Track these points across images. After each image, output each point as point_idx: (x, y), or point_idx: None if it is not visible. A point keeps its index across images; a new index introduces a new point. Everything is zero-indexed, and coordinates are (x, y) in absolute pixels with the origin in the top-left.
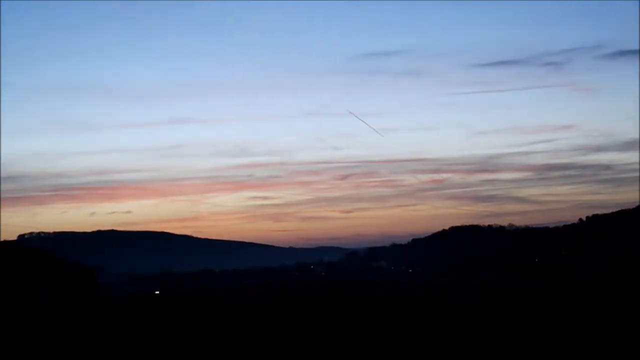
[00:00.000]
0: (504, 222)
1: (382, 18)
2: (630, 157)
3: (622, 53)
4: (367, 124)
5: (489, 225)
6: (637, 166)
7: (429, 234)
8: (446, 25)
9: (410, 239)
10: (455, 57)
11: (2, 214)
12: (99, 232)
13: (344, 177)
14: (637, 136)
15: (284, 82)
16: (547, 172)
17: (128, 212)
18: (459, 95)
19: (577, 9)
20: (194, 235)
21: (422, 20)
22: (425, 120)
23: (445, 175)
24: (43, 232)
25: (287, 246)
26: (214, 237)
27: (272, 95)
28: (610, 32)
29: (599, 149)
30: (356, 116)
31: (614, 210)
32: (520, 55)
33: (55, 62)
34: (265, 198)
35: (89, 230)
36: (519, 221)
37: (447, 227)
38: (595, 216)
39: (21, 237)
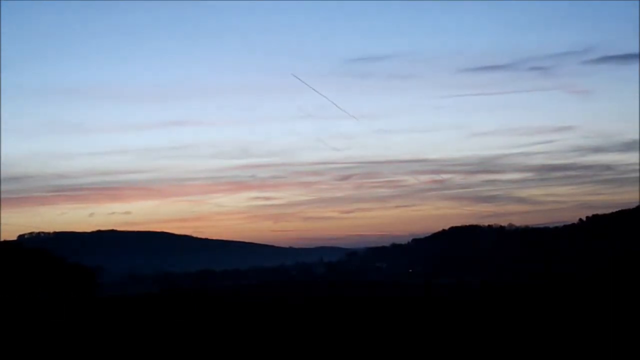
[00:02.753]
0: (504, 222)
1: (375, 24)
2: (630, 157)
3: (609, 58)
4: (316, 91)
5: (489, 225)
6: (637, 167)
7: (429, 234)
8: (434, 32)
9: (410, 239)
10: (445, 61)
11: (4, 215)
12: (99, 232)
13: (346, 178)
14: (636, 137)
15: (283, 84)
16: (547, 172)
17: (130, 212)
18: (453, 97)
19: (566, 14)
20: (194, 235)
21: (415, 25)
22: (424, 121)
23: (445, 176)
24: (43, 232)
25: (287, 246)
26: (214, 237)
27: (271, 98)
28: (597, 37)
29: (598, 150)
30: (301, 80)
31: (614, 210)
32: (509, 60)
33: (57, 65)
34: (267, 198)
35: (89, 230)
36: (519, 221)
37: (447, 227)
38: (595, 216)
39: (21, 237)
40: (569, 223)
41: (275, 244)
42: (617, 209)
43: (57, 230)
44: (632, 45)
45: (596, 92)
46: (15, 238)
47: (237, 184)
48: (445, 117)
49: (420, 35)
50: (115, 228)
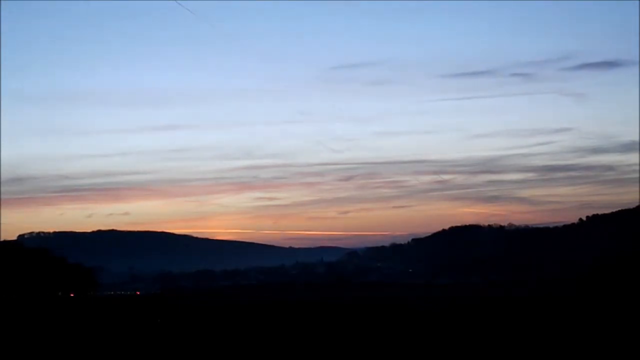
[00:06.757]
0: (504, 222)
1: (356, 32)
2: (629, 158)
3: (586, 65)
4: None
5: (489, 225)
6: (637, 167)
7: (429, 234)
8: (414, 39)
9: (410, 239)
10: (425, 68)
11: (7, 215)
12: (99, 232)
13: (348, 179)
14: (634, 138)
15: (281, 88)
16: (547, 173)
17: (129, 213)
18: (434, 102)
19: (545, 22)
20: (194, 235)
21: (393, 33)
22: (416, 124)
23: (446, 177)
24: (43, 232)
25: (287, 246)
26: (214, 237)
27: (270, 100)
28: (575, 45)
29: (596, 150)
30: (182, 5)
31: (614, 210)
32: (490, 67)
33: (59, 69)
34: (270, 199)
35: (89, 230)
36: (519, 221)
37: (447, 227)
38: (595, 216)
39: (21, 237)
40: (569, 223)
41: (275, 244)
42: (617, 209)
43: (57, 230)
44: (611, 53)
45: (582, 96)
46: (15, 238)
47: (240, 185)
48: (435, 119)
49: (399, 42)
50: (115, 228)
